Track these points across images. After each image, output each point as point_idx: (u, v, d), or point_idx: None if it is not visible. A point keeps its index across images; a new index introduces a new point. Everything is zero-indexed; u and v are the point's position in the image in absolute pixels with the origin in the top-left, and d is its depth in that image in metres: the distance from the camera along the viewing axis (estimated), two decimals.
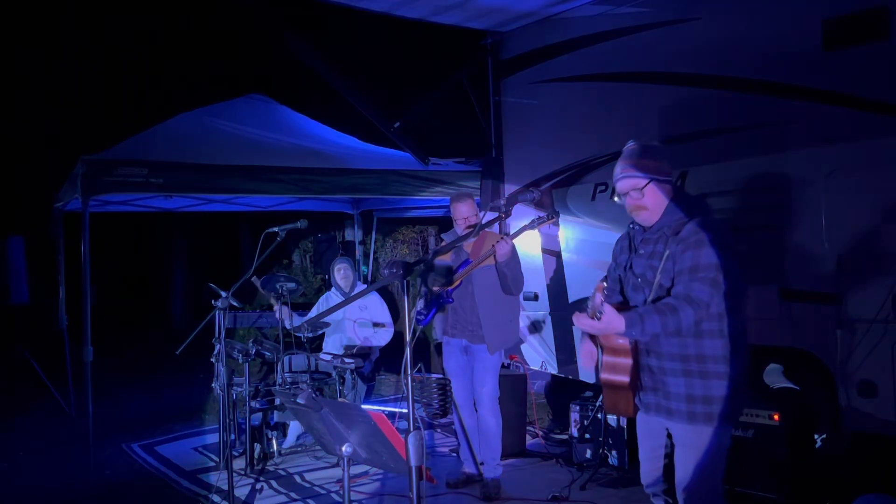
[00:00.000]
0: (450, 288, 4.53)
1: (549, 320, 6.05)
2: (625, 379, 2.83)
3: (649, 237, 2.85)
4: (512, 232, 4.55)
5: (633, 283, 2.91)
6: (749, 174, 4.58)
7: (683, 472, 2.80)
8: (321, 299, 6.52)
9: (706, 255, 2.64)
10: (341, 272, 6.27)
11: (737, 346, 2.71)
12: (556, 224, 5.95)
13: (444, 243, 4.76)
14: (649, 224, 2.85)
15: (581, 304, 5.94)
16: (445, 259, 4.66)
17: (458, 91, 6.62)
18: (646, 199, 2.79)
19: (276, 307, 5.84)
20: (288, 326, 5.78)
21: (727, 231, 2.75)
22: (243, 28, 12.07)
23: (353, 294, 6.12)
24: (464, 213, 4.65)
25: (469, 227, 4.58)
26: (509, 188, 6.53)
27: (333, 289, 6.37)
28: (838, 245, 4.13)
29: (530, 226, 4.24)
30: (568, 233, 5.94)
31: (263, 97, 7.38)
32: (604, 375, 2.89)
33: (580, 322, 2.67)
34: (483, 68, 6.71)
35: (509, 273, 4.42)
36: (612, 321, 2.59)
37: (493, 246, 4.33)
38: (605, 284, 3.02)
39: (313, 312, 6.38)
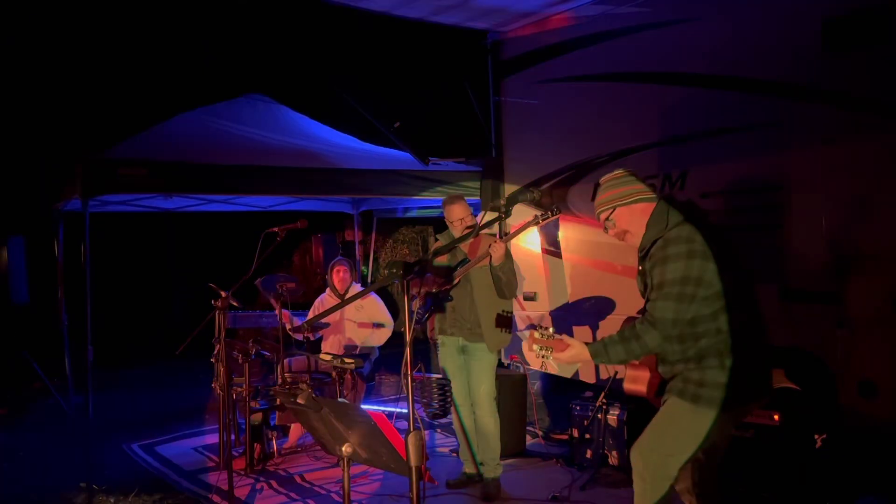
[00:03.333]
0: (446, 287, 4.53)
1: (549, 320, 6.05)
2: (642, 389, 2.98)
3: (642, 256, 2.95)
4: (514, 230, 4.54)
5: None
6: (749, 174, 4.58)
7: (647, 432, 2.87)
8: (316, 301, 6.48)
9: (671, 270, 2.71)
10: (340, 274, 6.21)
11: (739, 340, 2.74)
12: (556, 221, 5.95)
13: (438, 244, 4.77)
14: (638, 244, 2.94)
15: (582, 305, 5.96)
16: (442, 260, 4.65)
17: (458, 91, 6.63)
18: (619, 224, 2.93)
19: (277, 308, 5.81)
20: (289, 329, 5.77)
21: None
22: (243, 28, 12.08)
23: (351, 295, 6.10)
24: (459, 213, 4.64)
25: (468, 227, 4.58)
26: (509, 188, 6.54)
27: (328, 290, 6.33)
28: (838, 245, 4.13)
29: (533, 222, 4.21)
30: (568, 233, 5.95)
31: (263, 97, 7.38)
32: (626, 385, 3.05)
33: (556, 356, 2.86)
34: (483, 68, 6.72)
35: (504, 277, 4.42)
36: (579, 354, 2.81)
37: (489, 248, 4.33)
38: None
39: (310, 314, 6.35)
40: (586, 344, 2.82)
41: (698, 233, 2.74)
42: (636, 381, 3.00)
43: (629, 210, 2.90)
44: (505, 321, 4.51)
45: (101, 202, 6.48)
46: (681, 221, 2.79)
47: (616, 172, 2.96)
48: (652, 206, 2.88)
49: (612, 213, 2.93)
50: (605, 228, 3.00)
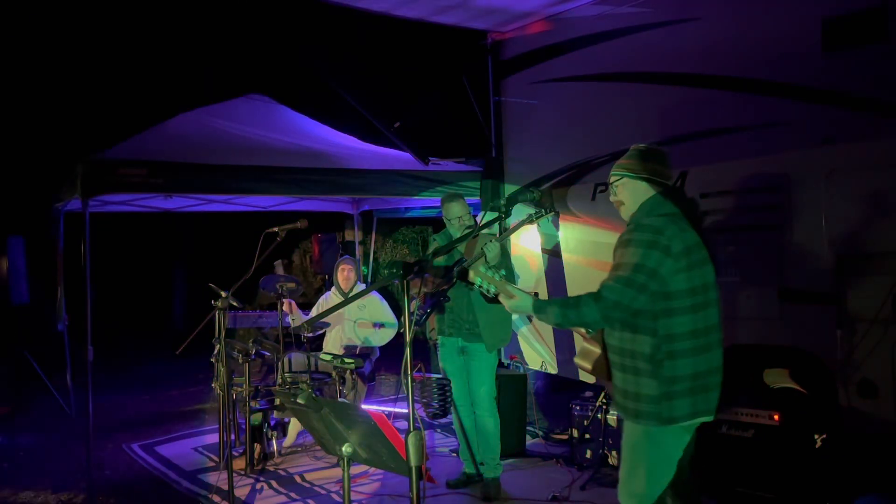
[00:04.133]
0: (444, 288, 4.53)
1: None
2: (588, 365, 2.96)
3: None
4: (509, 228, 4.53)
5: None
6: (749, 174, 4.58)
7: (621, 469, 2.85)
8: (321, 299, 6.51)
9: (630, 254, 2.70)
10: (345, 273, 6.24)
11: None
12: (555, 221, 5.95)
13: (436, 244, 4.77)
14: (627, 220, 2.94)
15: None
16: (440, 260, 4.66)
17: (458, 91, 6.63)
18: (619, 194, 2.94)
19: (284, 302, 5.81)
20: (289, 322, 5.77)
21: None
22: (243, 28, 12.08)
23: (352, 294, 6.12)
24: (457, 212, 4.65)
25: (467, 227, 4.58)
26: (509, 188, 6.54)
27: (333, 288, 6.35)
28: (838, 245, 4.13)
29: (527, 220, 4.19)
30: (568, 233, 5.94)
31: (263, 97, 7.37)
32: (576, 360, 3.06)
33: (501, 299, 2.91)
34: (483, 68, 6.71)
35: None
36: (523, 305, 2.85)
37: (483, 248, 4.33)
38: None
39: (313, 312, 6.37)
40: (533, 299, 2.84)
41: (672, 228, 2.68)
42: (585, 357, 2.97)
43: (633, 185, 2.88)
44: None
45: (101, 202, 6.48)
46: (662, 214, 2.75)
47: (647, 145, 2.94)
48: (655, 191, 2.85)
49: (619, 179, 2.92)
50: (611, 191, 3.00)
